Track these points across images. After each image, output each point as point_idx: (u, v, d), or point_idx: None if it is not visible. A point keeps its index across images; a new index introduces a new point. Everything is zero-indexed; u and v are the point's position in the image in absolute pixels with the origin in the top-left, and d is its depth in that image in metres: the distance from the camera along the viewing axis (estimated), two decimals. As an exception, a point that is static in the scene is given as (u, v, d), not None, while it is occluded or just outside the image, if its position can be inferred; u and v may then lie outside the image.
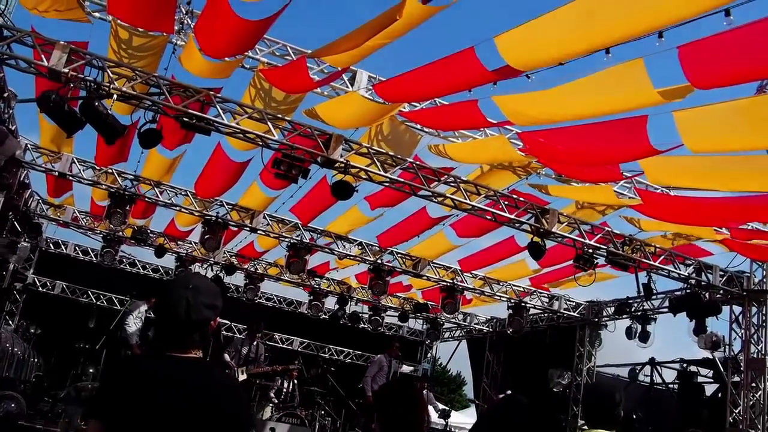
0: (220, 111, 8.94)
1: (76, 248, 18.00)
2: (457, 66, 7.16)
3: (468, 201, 10.51)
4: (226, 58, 8.62)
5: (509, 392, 14.14)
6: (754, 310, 12.45)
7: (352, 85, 9.43)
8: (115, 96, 8.32)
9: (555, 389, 16.31)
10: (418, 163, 10.30)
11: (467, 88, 7.61)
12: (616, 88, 6.57)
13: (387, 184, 10.36)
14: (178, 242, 16.41)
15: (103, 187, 12.47)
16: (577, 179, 10.46)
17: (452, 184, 10.53)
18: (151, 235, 15.78)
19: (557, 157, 9.02)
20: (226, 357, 12.12)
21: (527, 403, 3.45)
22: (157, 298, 3.06)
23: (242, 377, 11.87)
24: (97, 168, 12.38)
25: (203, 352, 2.94)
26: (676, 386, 15.08)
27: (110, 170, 12.40)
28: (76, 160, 12.20)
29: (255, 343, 12.60)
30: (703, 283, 12.41)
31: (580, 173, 9.76)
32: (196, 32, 8.11)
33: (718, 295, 12.67)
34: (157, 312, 3.05)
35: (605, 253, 11.57)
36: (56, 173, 12.18)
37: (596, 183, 10.13)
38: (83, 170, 12.29)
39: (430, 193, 10.53)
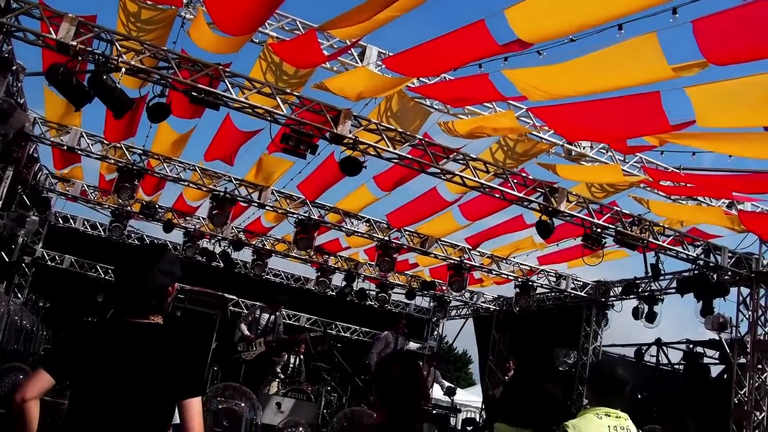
0: (229, 86, 8.91)
1: (85, 222, 18.01)
2: (467, 39, 7.08)
3: (477, 179, 10.48)
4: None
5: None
6: (762, 291, 12.42)
7: (361, 60, 9.37)
8: (123, 69, 8.29)
9: (561, 368, 16.35)
10: (427, 140, 10.24)
11: (477, 60, 7.53)
12: (630, 62, 6.48)
13: (396, 160, 10.33)
14: (187, 218, 16.43)
15: (112, 161, 12.46)
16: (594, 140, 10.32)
17: (461, 161, 10.48)
18: (160, 210, 15.80)
19: (567, 133, 8.97)
20: (243, 326, 12.01)
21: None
22: (117, 265, 3.23)
23: (260, 349, 11.79)
24: (106, 142, 12.35)
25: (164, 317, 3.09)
26: (681, 367, 15.09)
27: (119, 145, 12.37)
28: (84, 134, 12.18)
29: (275, 315, 12.32)
30: (711, 264, 12.37)
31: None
32: (206, 5, 8.04)
33: (726, 277, 12.67)
34: (115, 278, 3.32)
35: (614, 233, 11.53)
36: (65, 147, 12.18)
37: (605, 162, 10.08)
38: (92, 144, 12.28)
39: (439, 171, 10.50)
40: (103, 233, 17.59)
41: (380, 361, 4.18)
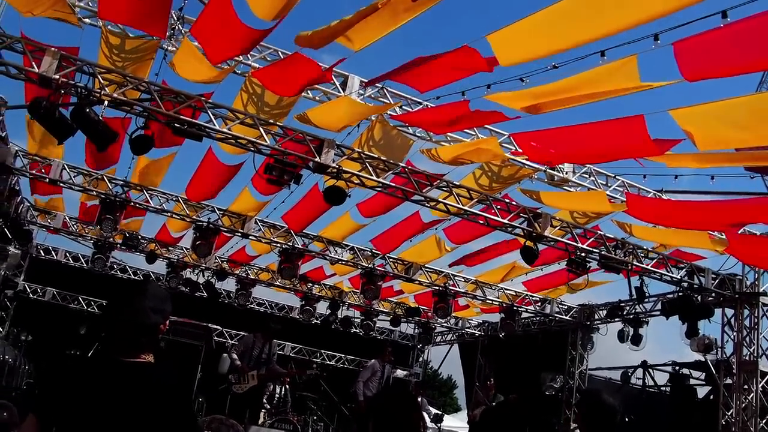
0: (212, 116, 8.92)
1: (67, 254, 17.85)
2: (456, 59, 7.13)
3: (460, 205, 10.54)
4: (223, 64, 8.61)
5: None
6: (746, 312, 12.49)
7: (343, 89, 9.43)
8: (106, 102, 8.29)
9: (547, 393, 16.33)
10: (410, 167, 10.30)
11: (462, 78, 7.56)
12: (606, 79, 6.59)
13: (379, 189, 10.36)
14: (169, 248, 16.35)
15: (94, 193, 12.40)
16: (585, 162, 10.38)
17: (445, 188, 10.54)
18: (142, 241, 15.72)
19: (551, 158, 9.04)
20: (234, 356, 11.53)
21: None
22: (107, 302, 3.13)
23: (252, 382, 11.30)
24: (88, 174, 12.30)
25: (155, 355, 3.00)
26: (668, 389, 15.12)
27: (101, 176, 12.32)
28: (66, 167, 12.12)
29: (269, 344, 11.81)
30: (695, 286, 12.45)
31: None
32: (196, 35, 8.06)
33: (710, 298, 12.75)
34: (104, 316, 3.12)
35: (597, 257, 11.60)
36: (47, 180, 12.12)
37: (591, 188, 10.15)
38: (74, 176, 12.22)
39: (423, 198, 10.55)
40: (85, 265, 17.44)
41: (377, 397, 4.15)
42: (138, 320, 2.90)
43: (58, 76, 8.12)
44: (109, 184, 12.36)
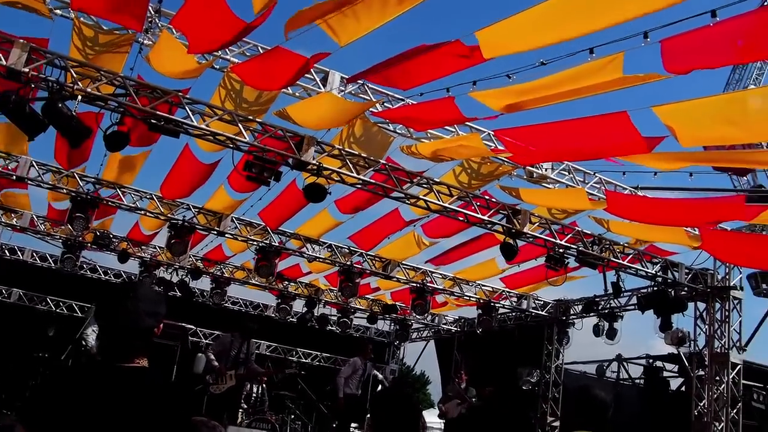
0: (189, 112, 8.68)
1: (34, 254, 17.38)
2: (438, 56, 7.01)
3: (440, 202, 10.42)
4: (205, 55, 8.37)
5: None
6: (717, 306, 12.69)
7: (324, 85, 9.24)
8: (79, 97, 8.00)
9: (524, 387, 16.38)
10: (390, 164, 10.15)
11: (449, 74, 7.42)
12: (590, 75, 6.52)
13: (359, 186, 10.20)
14: (142, 247, 16.00)
15: (64, 191, 12.04)
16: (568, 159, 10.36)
17: (425, 185, 10.41)
18: (114, 240, 15.34)
19: (535, 155, 8.93)
20: (210, 356, 11.20)
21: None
22: (101, 307, 2.97)
23: (230, 383, 10.95)
24: (57, 172, 11.94)
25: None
26: (641, 381, 15.29)
27: (71, 174, 11.97)
28: (35, 164, 11.74)
29: (247, 344, 11.48)
30: (669, 280, 12.59)
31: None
32: (179, 24, 7.81)
33: (683, 292, 12.92)
34: (98, 321, 3.00)
35: (575, 253, 11.61)
36: (14, 177, 11.72)
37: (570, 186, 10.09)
38: (42, 174, 11.85)
39: (403, 195, 10.42)
40: (53, 265, 17.01)
41: (377, 398, 4.08)
42: (131, 325, 2.79)
43: (27, 69, 7.82)
44: (80, 182, 12.00)
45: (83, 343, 10.58)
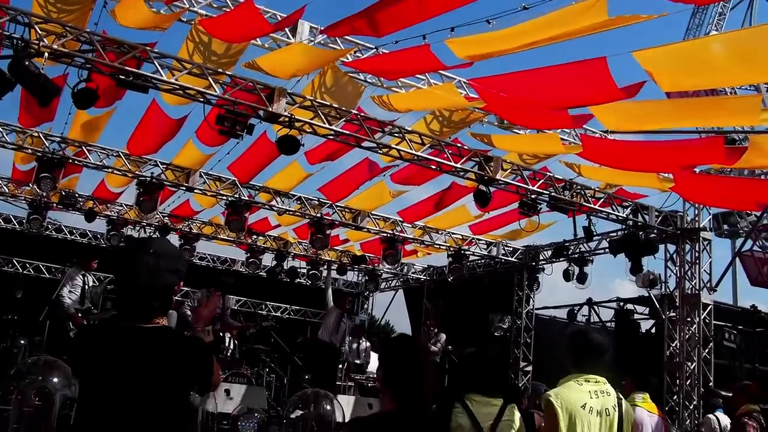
0: (158, 67, 8.55)
1: (-2, 216, 17.11)
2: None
3: (413, 151, 10.46)
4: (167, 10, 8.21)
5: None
6: (687, 247, 12.92)
7: (293, 36, 9.15)
8: (46, 54, 7.82)
9: (496, 333, 16.67)
10: (362, 114, 10.14)
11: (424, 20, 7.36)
12: (574, 18, 6.53)
13: (331, 136, 10.19)
14: (108, 205, 15.80)
15: (29, 151, 11.82)
16: (526, 126, 10.47)
17: (397, 134, 10.44)
18: (80, 199, 15.13)
19: (508, 103, 8.97)
20: (187, 313, 11.19)
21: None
22: (116, 264, 2.90)
23: (208, 338, 11.06)
24: (21, 132, 11.70)
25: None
26: (612, 324, 15.63)
27: (35, 133, 11.73)
28: (-3, 124, 11.50)
29: (223, 299, 11.65)
30: (639, 223, 12.79)
31: (531, 120, 9.72)
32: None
33: (652, 235, 13.11)
34: (117, 279, 2.88)
35: (547, 198, 11.74)
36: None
37: (543, 131, 10.19)
38: (6, 134, 11.60)
39: (375, 145, 10.43)
40: (17, 226, 16.74)
41: (386, 345, 4.04)
42: (153, 282, 2.72)
43: (-11, 27, 7.62)
44: (45, 141, 11.78)
45: (60, 301, 10.46)
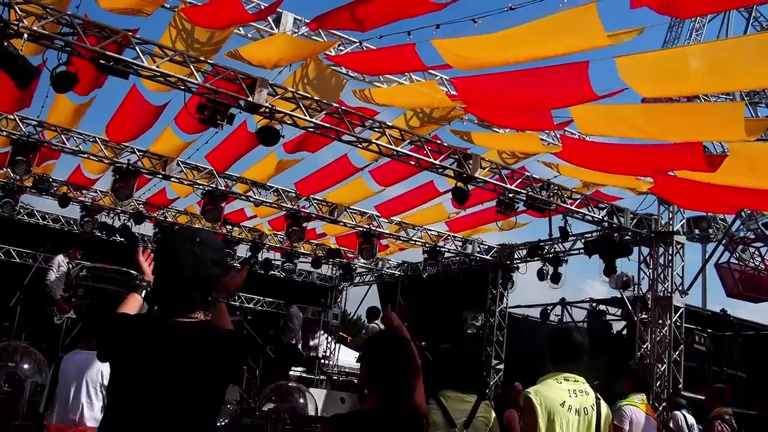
0: (139, 53, 8.46)
1: (-33, 200, 16.76)
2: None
3: (392, 146, 10.47)
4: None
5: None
6: (660, 250, 13.06)
7: (277, 27, 9.10)
8: (25, 36, 7.71)
9: (469, 331, 16.74)
10: (343, 107, 10.12)
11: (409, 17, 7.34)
12: (567, 30, 6.54)
13: (311, 129, 10.16)
14: (83, 191, 15.61)
15: (4, 134, 11.64)
16: (506, 127, 10.50)
17: (377, 129, 10.44)
18: (54, 184, 14.94)
19: (489, 103, 8.99)
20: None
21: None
22: (160, 253, 2.79)
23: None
24: (-5, 114, 11.52)
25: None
26: (585, 324, 15.75)
27: (11, 116, 11.55)
28: (-29, 106, 11.28)
29: None
30: (615, 225, 12.92)
31: (511, 121, 9.75)
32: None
33: (627, 237, 13.25)
34: (158, 269, 2.76)
35: (525, 198, 11.80)
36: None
37: (523, 131, 10.23)
38: (-20, 117, 11.42)
39: (355, 139, 10.43)
40: (-13, 210, 16.45)
41: (371, 340, 3.97)
42: (197, 273, 2.58)
43: (-33, 7, 7.49)
44: (20, 124, 11.61)
45: (45, 286, 10.34)
